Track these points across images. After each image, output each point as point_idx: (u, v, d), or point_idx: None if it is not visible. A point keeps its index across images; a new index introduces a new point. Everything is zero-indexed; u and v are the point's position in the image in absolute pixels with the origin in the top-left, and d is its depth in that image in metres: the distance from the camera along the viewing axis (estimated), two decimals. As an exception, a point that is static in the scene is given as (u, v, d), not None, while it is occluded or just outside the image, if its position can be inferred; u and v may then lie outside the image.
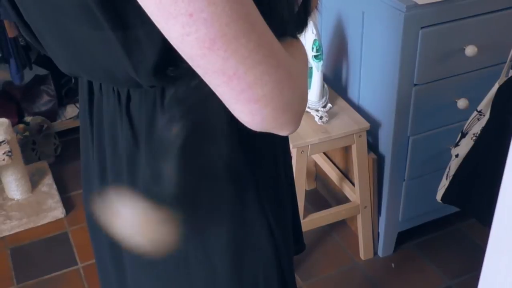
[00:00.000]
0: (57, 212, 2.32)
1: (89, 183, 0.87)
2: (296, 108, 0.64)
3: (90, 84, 0.77)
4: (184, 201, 0.78)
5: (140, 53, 0.63)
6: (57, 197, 2.37)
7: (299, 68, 0.66)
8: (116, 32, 0.61)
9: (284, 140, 0.91)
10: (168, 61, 0.64)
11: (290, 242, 0.95)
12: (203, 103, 0.68)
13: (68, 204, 2.36)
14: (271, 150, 0.84)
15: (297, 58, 0.68)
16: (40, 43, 0.75)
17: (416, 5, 1.62)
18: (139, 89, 0.71)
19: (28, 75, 2.64)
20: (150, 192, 0.76)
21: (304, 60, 0.72)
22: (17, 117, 2.60)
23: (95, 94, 0.77)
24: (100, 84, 0.75)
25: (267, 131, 0.65)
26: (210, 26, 0.54)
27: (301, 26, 0.75)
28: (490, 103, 1.53)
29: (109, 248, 0.88)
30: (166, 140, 0.72)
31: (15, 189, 2.33)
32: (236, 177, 0.79)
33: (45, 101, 2.66)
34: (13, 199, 2.36)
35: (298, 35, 0.75)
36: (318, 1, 0.82)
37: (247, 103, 0.60)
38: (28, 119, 2.59)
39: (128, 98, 0.73)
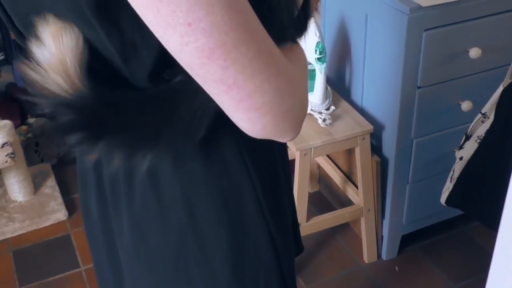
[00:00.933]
0: (60, 214, 2.31)
1: (86, 190, 0.86)
2: (297, 115, 0.63)
3: None
4: (182, 204, 0.77)
5: (137, 59, 0.63)
6: (59, 199, 2.37)
7: (299, 74, 0.65)
8: (111, 39, 0.61)
9: (282, 142, 0.90)
10: (164, 67, 0.63)
11: (291, 246, 0.94)
12: None
13: (70, 206, 2.36)
14: (269, 154, 0.83)
15: (297, 64, 0.67)
16: None
17: (419, 7, 1.61)
18: None
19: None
20: (148, 197, 0.76)
21: (304, 65, 0.71)
22: (20, 119, 2.60)
23: None
24: None
25: (268, 138, 0.65)
26: (209, 35, 0.53)
27: (301, 30, 0.74)
28: (495, 106, 1.52)
29: (107, 253, 0.88)
30: None
31: (17, 191, 2.33)
32: (235, 182, 0.78)
33: (48, 103, 2.66)
34: (16, 201, 2.36)
35: (298, 39, 0.74)
36: (319, 3, 0.81)
37: (247, 112, 0.59)
38: (31, 120, 2.59)
39: None
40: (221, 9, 0.52)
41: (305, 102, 0.66)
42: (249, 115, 0.60)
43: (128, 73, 0.64)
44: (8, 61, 2.48)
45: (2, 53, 2.46)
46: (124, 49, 0.62)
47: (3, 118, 2.23)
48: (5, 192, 2.37)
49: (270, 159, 0.84)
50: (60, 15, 0.62)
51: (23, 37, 0.72)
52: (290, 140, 0.68)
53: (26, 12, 0.67)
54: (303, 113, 0.65)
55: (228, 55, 0.54)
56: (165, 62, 0.61)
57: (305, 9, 0.74)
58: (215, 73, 0.55)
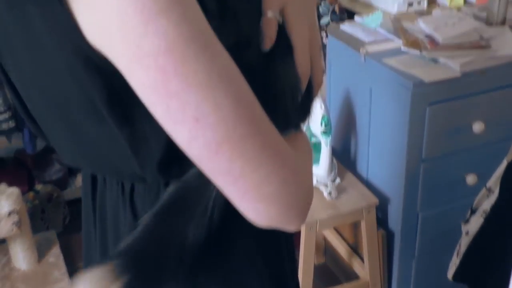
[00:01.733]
0: (63, 284, 2.29)
1: (90, 258, 0.86)
2: (302, 204, 0.63)
3: (93, 174, 0.78)
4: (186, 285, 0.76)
5: (146, 150, 0.63)
6: (63, 268, 2.34)
7: (304, 163, 0.66)
8: (122, 130, 0.62)
9: None
10: (174, 158, 0.64)
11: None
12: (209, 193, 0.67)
13: (74, 275, 2.33)
14: (274, 235, 0.83)
15: (302, 153, 0.67)
16: (43, 134, 0.76)
17: (422, 82, 1.64)
18: (143, 182, 0.71)
19: (41, 143, 2.68)
20: None
21: (308, 154, 0.71)
22: (27, 185, 2.61)
23: (98, 183, 0.77)
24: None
25: (273, 227, 0.65)
26: (216, 130, 0.54)
27: (305, 115, 0.75)
28: (499, 180, 1.52)
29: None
30: None
31: (22, 259, 2.31)
32: (240, 254, 0.78)
33: (56, 170, 2.68)
34: (20, 270, 2.33)
35: (302, 124, 0.75)
36: (321, 87, 0.82)
37: (252, 202, 0.59)
38: (38, 187, 2.60)
39: (132, 189, 0.73)
40: (228, 105, 0.54)
41: (310, 192, 0.66)
42: (254, 206, 0.60)
43: (137, 163, 0.65)
44: (18, 128, 2.52)
45: (12, 120, 2.50)
46: (134, 139, 0.63)
47: (11, 185, 2.23)
48: (9, 260, 2.36)
49: (275, 238, 0.84)
50: (71, 108, 0.63)
51: (34, 122, 0.74)
52: (296, 229, 0.68)
53: (37, 98, 0.68)
54: (308, 202, 0.65)
55: (235, 149, 0.55)
56: (175, 152, 0.61)
57: (308, 94, 0.75)
58: (222, 165, 0.56)
